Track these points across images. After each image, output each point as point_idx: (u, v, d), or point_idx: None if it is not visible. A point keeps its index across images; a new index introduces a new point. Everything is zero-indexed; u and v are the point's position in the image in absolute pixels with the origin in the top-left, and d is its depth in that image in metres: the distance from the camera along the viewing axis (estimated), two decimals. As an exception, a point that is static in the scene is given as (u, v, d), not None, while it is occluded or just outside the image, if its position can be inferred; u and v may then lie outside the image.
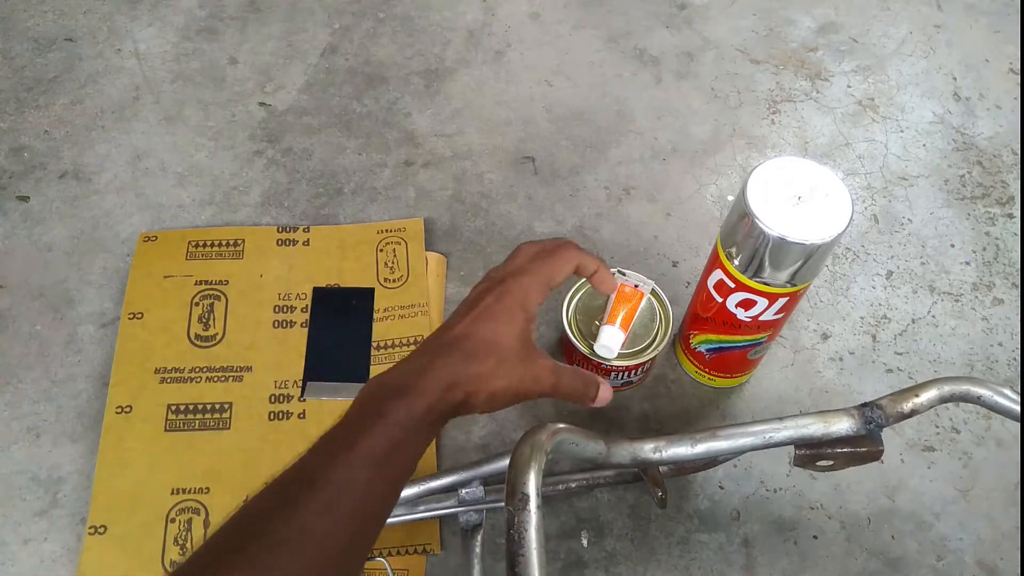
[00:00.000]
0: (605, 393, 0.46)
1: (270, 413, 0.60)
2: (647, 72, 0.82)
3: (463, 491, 0.53)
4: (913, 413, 0.43)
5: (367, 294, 0.65)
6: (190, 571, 0.33)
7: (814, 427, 0.43)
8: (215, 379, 0.61)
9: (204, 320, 0.63)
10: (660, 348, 0.57)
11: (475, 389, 0.40)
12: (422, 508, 0.53)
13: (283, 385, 0.61)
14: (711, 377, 0.62)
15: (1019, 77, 0.83)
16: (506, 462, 0.37)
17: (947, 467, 0.60)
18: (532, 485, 0.35)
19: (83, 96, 0.77)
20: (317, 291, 0.65)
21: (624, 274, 0.57)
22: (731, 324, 0.54)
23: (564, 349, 0.61)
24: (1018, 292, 0.69)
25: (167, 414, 0.59)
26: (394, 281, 0.66)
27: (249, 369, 0.61)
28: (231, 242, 0.67)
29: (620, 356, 0.56)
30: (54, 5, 0.84)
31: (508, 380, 0.41)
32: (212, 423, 0.59)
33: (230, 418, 0.59)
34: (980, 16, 0.87)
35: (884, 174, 0.76)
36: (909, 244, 0.71)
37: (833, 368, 0.64)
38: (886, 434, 0.44)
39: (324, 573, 0.34)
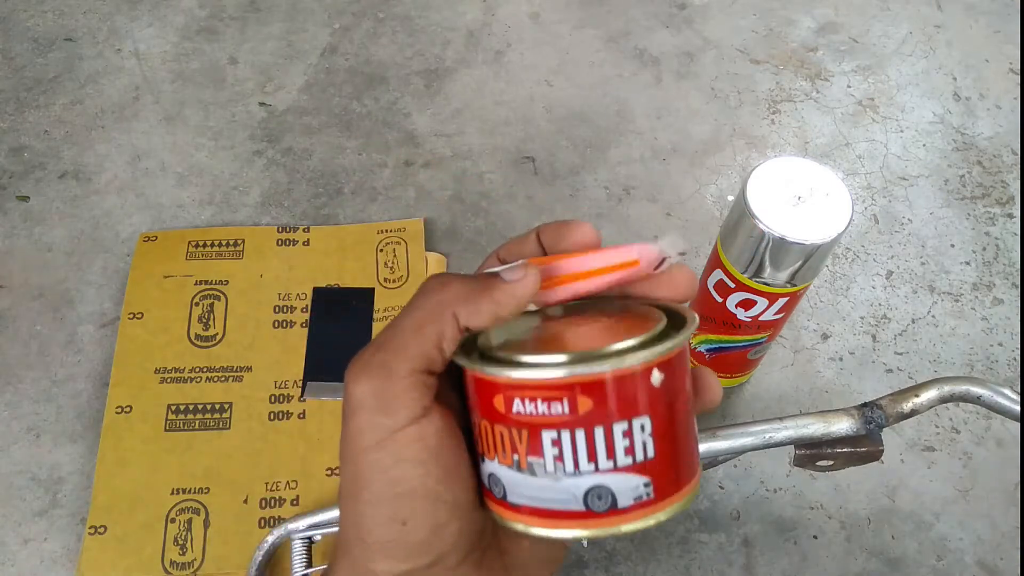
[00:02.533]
0: (528, 279, 0.23)
1: (270, 413, 0.60)
2: (647, 72, 0.82)
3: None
4: (913, 413, 0.43)
5: (367, 294, 0.65)
6: None
7: (814, 427, 0.43)
8: (215, 379, 0.61)
9: (204, 320, 0.63)
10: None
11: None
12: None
13: (283, 385, 0.61)
14: (711, 377, 0.62)
15: (1019, 77, 0.83)
16: (506, 462, 0.37)
17: (947, 467, 0.60)
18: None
19: (83, 96, 0.77)
20: (317, 291, 0.65)
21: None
22: (731, 324, 0.54)
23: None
24: (1018, 292, 0.69)
25: (167, 414, 0.59)
26: (394, 281, 0.66)
27: (249, 369, 0.61)
28: (231, 242, 0.67)
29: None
30: (54, 5, 0.84)
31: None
32: (212, 423, 0.59)
33: (230, 418, 0.59)
34: (980, 16, 0.87)
35: (884, 174, 0.76)
36: (909, 244, 0.71)
37: (833, 368, 0.64)
38: (886, 434, 0.44)
39: None
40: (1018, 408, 0.42)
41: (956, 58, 0.84)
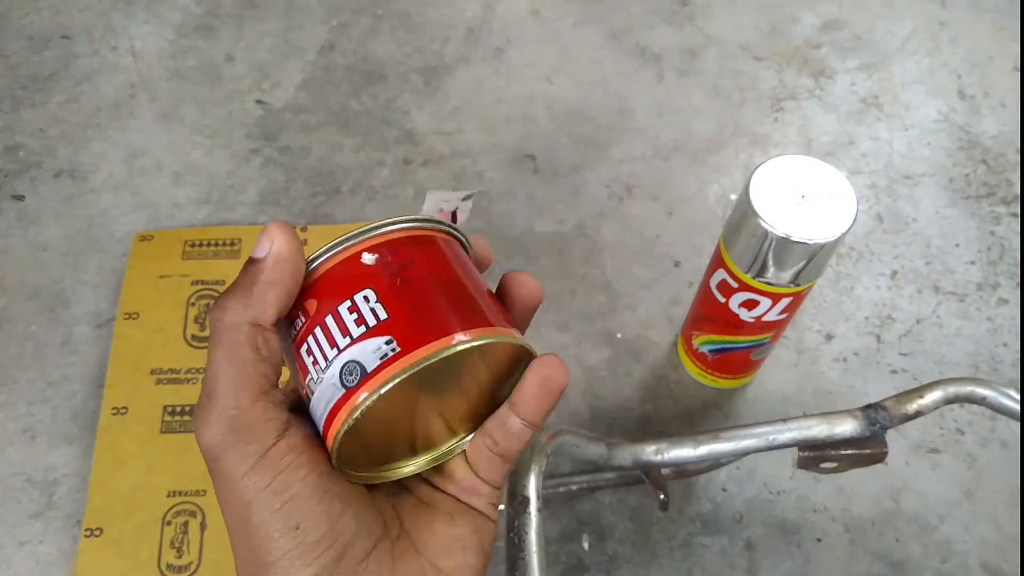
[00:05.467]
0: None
1: (267, 414, 0.59)
2: (649, 69, 0.81)
3: (462, 494, 0.52)
4: (918, 414, 0.43)
5: (365, 294, 0.65)
6: None
7: (818, 429, 0.43)
8: (212, 380, 0.60)
9: (200, 320, 0.63)
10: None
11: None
12: (421, 511, 0.52)
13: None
14: (714, 378, 0.61)
15: (1019, 75, 0.82)
16: (506, 465, 0.36)
17: (952, 469, 0.59)
18: (532, 487, 0.35)
19: (79, 94, 0.77)
20: (315, 291, 0.65)
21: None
22: (734, 324, 0.53)
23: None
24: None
25: (163, 415, 0.59)
26: (393, 281, 0.65)
27: (246, 370, 0.61)
28: (227, 241, 0.67)
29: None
30: (50, 3, 0.83)
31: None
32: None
33: (227, 419, 0.59)
34: (984, 13, 0.86)
35: (888, 173, 0.75)
36: (914, 243, 0.70)
37: (837, 369, 0.63)
38: (890, 436, 0.43)
39: None
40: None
41: (960, 56, 0.83)
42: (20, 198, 0.70)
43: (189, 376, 0.60)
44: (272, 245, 0.23)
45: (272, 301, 0.23)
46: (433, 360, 0.22)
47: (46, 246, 0.68)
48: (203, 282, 0.64)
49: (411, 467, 0.25)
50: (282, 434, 0.22)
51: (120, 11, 0.83)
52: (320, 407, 0.22)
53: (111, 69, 0.79)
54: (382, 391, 0.21)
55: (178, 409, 0.59)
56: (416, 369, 0.21)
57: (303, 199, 0.71)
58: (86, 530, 0.54)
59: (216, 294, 0.64)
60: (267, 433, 0.22)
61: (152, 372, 0.60)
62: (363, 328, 0.22)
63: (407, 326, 0.22)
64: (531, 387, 0.24)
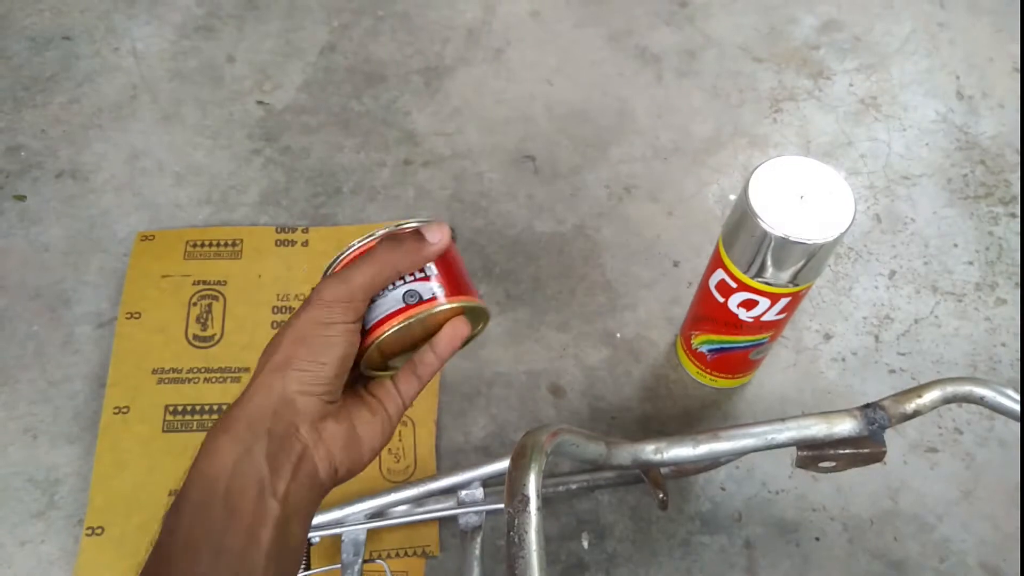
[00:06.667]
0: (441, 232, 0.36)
1: (268, 414, 0.59)
2: (648, 70, 0.81)
3: (462, 493, 0.52)
4: (916, 414, 0.43)
5: (366, 294, 0.65)
6: None
7: (816, 428, 0.43)
8: (213, 380, 0.60)
9: (202, 320, 0.63)
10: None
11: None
12: (421, 510, 0.53)
13: (281, 386, 0.60)
14: (713, 378, 0.61)
15: (1019, 75, 0.82)
16: (506, 463, 0.37)
17: (950, 468, 0.59)
18: (532, 486, 0.35)
19: (80, 95, 0.77)
20: (316, 291, 0.65)
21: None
22: (733, 324, 0.54)
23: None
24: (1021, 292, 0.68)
25: (164, 415, 0.59)
26: (393, 281, 0.66)
27: (247, 370, 0.61)
28: (229, 242, 0.67)
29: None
30: (51, 4, 0.83)
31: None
32: (210, 424, 0.59)
33: (228, 419, 0.59)
34: (983, 15, 0.87)
35: (887, 173, 0.75)
36: (912, 244, 0.71)
37: (836, 369, 0.64)
38: (889, 435, 0.43)
39: None
40: (1020, 409, 0.42)
41: (959, 57, 0.83)
42: (22, 198, 0.70)
43: (190, 376, 0.60)
44: (442, 240, 0.36)
45: (411, 266, 0.35)
46: (456, 304, 0.35)
47: (48, 246, 0.68)
48: (205, 282, 0.65)
49: (384, 373, 0.37)
50: (355, 322, 0.34)
51: (121, 12, 0.83)
52: (376, 312, 0.35)
53: (112, 70, 0.79)
54: (434, 311, 0.35)
55: (179, 408, 0.59)
56: (450, 307, 0.35)
57: (304, 199, 0.71)
58: (87, 529, 0.54)
59: (217, 294, 0.64)
60: (354, 316, 0.34)
61: (153, 372, 0.60)
62: (423, 274, 0.35)
63: (446, 282, 0.36)
64: (447, 334, 0.37)
